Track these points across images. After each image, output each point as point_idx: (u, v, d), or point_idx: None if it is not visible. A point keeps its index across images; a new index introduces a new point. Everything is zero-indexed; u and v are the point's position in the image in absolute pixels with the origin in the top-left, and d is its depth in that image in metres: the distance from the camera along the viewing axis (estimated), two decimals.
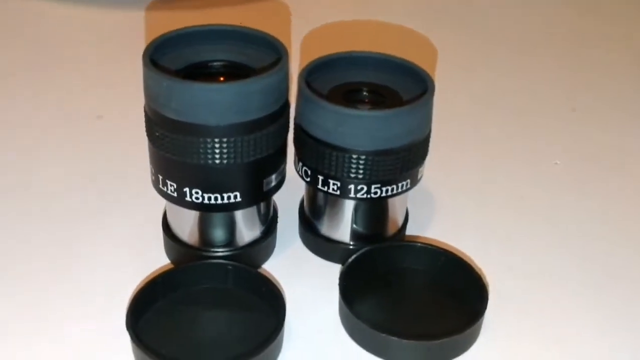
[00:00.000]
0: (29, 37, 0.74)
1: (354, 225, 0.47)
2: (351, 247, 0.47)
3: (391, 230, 0.48)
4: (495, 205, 0.54)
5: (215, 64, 0.44)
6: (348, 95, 0.45)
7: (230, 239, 0.46)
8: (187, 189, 0.42)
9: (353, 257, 0.45)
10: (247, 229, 0.46)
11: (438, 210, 0.53)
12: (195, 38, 0.44)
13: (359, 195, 0.44)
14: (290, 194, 0.49)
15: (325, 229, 0.48)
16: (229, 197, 0.42)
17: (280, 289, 0.43)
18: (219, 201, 0.42)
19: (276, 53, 0.43)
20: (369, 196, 0.44)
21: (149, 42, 0.43)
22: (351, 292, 0.43)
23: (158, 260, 0.47)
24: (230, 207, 0.43)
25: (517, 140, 0.62)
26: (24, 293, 0.45)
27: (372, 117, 0.42)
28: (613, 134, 0.64)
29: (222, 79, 0.43)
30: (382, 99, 0.45)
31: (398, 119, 0.42)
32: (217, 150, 0.40)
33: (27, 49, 0.72)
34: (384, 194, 0.44)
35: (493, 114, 0.66)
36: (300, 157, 0.45)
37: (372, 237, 0.48)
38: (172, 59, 0.43)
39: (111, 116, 0.62)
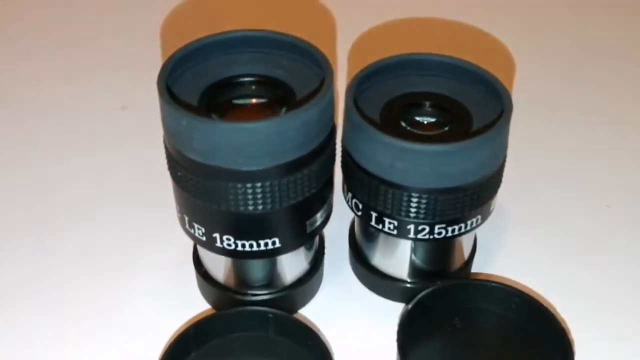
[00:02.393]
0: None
1: (414, 263, 0.40)
2: (409, 285, 0.41)
3: (456, 264, 0.41)
4: (575, 238, 0.46)
5: (245, 79, 0.37)
6: (406, 113, 0.38)
7: (271, 281, 0.40)
8: (217, 235, 0.36)
9: (411, 304, 0.38)
10: (289, 269, 0.40)
11: (505, 242, 0.45)
12: (221, 47, 0.37)
13: (419, 237, 0.37)
14: (339, 210, 0.41)
15: (379, 262, 0.41)
16: (266, 244, 0.36)
17: (327, 343, 0.37)
18: (255, 248, 0.36)
19: (317, 66, 0.36)
20: (432, 237, 0.37)
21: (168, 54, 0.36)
22: (410, 346, 0.37)
23: (195, 300, 0.42)
24: (269, 254, 0.37)
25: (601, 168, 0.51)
26: (41, 339, 0.40)
27: (437, 152, 0.34)
28: None
29: (253, 102, 0.36)
30: (447, 117, 0.37)
31: (468, 154, 0.34)
32: (249, 197, 0.34)
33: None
34: (449, 234, 0.37)
35: (576, 139, 0.54)
36: (349, 187, 0.39)
37: (434, 274, 0.41)
38: (195, 75, 0.36)
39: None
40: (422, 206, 0.36)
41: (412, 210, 0.36)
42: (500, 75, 0.38)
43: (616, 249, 0.45)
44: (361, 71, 0.38)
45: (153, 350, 0.39)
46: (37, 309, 0.41)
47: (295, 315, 0.41)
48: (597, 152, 0.52)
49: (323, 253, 0.42)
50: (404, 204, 0.36)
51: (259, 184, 0.33)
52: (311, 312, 0.41)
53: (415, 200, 0.35)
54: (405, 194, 0.35)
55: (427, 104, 0.38)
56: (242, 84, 0.37)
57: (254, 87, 0.37)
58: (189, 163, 0.34)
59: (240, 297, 0.40)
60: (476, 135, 0.35)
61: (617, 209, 0.48)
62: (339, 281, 0.43)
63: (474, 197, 0.36)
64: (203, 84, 0.36)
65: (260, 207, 0.34)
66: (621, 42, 0.62)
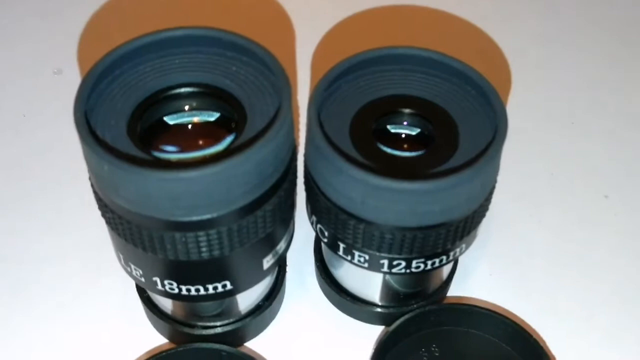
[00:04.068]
0: None
1: (387, 288, 0.35)
2: (380, 310, 0.36)
3: (434, 287, 0.37)
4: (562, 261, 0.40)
5: (184, 91, 0.30)
6: (382, 127, 0.32)
7: (224, 313, 0.35)
8: (157, 279, 0.31)
9: (390, 329, 0.34)
10: (244, 300, 0.35)
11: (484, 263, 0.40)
12: (158, 48, 0.30)
13: (394, 271, 0.32)
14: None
15: (348, 284, 0.36)
16: (215, 288, 0.31)
17: None
18: (202, 292, 0.31)
19: (270, 73, 0.29)
20: (408, 271, 0.32)
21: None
22: None
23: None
24: (219, 297, 0.31)
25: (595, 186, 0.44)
26: None
27: (416, 191, 0.28)
28: None
29: (195, 122, 0.30)
30: (429, 129, 0.32)
31: (454, 190, 0.29)
32: (191, 246, 0.28)
33: None
34: (429, 268, 0.32)
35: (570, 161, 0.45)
36: (313, 211, 0.33)
37: (410, 297, 0.36)
38: (124, 87, 0.30)
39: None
40: (397, 243, 0.30)
41: (385, 246, 0.31)
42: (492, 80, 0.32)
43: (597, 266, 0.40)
44: (326, 75, 0.32)
45: None
46: None
47: (255, 340, 0.37)
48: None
49: (284, 272, 0.37)
50: (374, 240, 0.30)
51: (202, 233, 0.28)
52: (274, 335, 0.37)
53: (389, 237, 0.30)
54: (377, 231, 0.30)
55: (405, 113, 0.32)
56: (182, 97, 0.30)
57: (194, 102, 0.30)
58: (118, 207, 0.28)
59: (189, 330, 0.35)
60: (462, 159, 0.30)
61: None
62: (305, 298, 0.38)
63: (458, 231, 0.31)
64: (133, 101, 0.29)
65: (205, 255, 0.29)
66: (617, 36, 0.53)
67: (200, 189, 0.26)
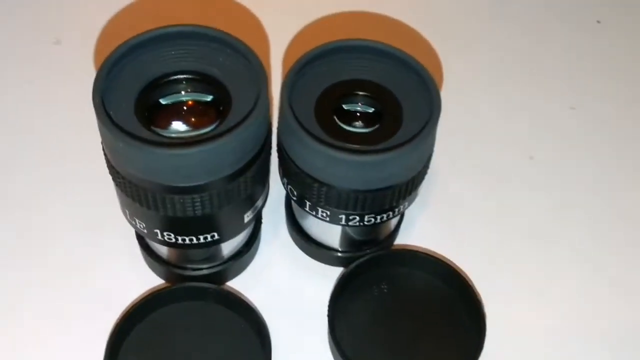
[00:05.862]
0: None
1: (345, 236, 0.43)
2: (340, 254, 0.44)
3: (384, 235, 0.44)
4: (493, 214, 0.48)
5: (179, 77, 0.37)
6: (339, 105, 0.39)
7: (210, 257, 0.42)
8: (157, 230, 0.38)
9: (345, 272, 0.42)
10: (227, 247, 0.42)
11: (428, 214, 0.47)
12: (157, 42, 0.37)
13: (350, 224, 0.40)
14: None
15: (314, 232, 0.44)
16: (205, 238, 0.38)
17: (257, 310, 0.40)
18: (195, 242, 0.38)
19: (249, 63, 0.36)
20: (362, 224, 0.40)
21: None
22: (341, 328, 0.41)
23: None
24: (209, 244, 0.39)
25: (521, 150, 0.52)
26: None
27: (365, 162, 0.36)
28: None
29: (189, 104, 0.37)
30: (379, 107, 0.39)
31: (396, 161, 0.36)
32: (188, 205, 0.35)
33: None
34: (379, 221, 0.40)
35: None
36: (284, 173, 0.40)
37: (364, 243, 0.44)
38: (131, 73, 0.36)
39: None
40: (352, 202, 0.38)
41: (342, 204, 0.38)
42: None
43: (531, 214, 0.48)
44: (295, 62, 0.38)
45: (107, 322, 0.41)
46: None
47: (235, 279, 0.44)
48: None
49: (260, 223, 0.44)
50: (334, 199, 0.38)
51: (196, 196, 0.35)
52: (252, 275, 0.44)
53: (344, 197, 0.37)
54: (336, 192, 0.37)
55: (360, 94, 0.39)
56: (176, 81, 0.37)
57: (188, 88, 0.37)
58: (127, 174, 0.35)
59: (181, 271, 0.42)
60: (405, 134, 0.37)
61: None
62: (277, 243, 0.46)
63: (401, 191, 0.38)
64: (138, 85, 0.36)
65: (198, 212, 0.36)
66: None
67: (196, 162, 0.33)
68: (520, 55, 0.57)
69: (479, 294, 0.42)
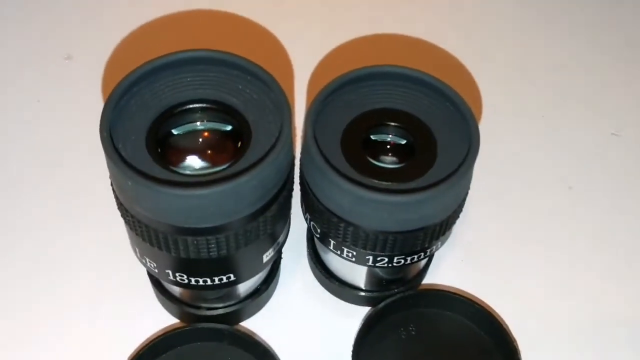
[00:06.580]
0: None
1: (371, 276, 0.40)
2: (365, 294, 0.41)
3: (412, 275, 0.41)
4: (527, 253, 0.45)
5: (195, 106, 0.34)
6: (369, 136, 0.36)
7: (225, 296, 0.39)
8: (169, 271, 0.35)
9: (371, 312, 0.39)
10: (244, 285, 0.39)
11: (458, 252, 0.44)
12: (171, 69, 0.34)
13: (378, 265, 0.36)
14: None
15: (337, 270, 0.41)
16: (220, 279, 0.35)
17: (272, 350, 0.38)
18: (209, 283, 0.35)
19: (271, 91, 0.33)
20: (390, 265, 0.36)
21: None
22: (366, 348, 0.38)
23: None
24: (224, 286, 0.36)
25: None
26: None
27: (396, 203, 0.32)
28: None
29: (205, 135, 0.34)
30: (411, 140, 0.35)
31: (430, 202, 0.33)
32: (202, 247, 0.32)
33: None
34: (409, 262, 0.37)
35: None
36: (307, 209, 0.37)
37: (391, 283, 0.41)
38: (143, 102, 0.33)
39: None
40: (380, 243, 0.35)
41: (370, 245, 0.35)
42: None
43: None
44: (320, 91, 0.35)
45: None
46: None
47: (252, 319, 0.41)
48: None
49: (280, 259, 0.41)
50: (361, 239, 0.35)
51: (211, 237, 0.32)
52: (269, 314, 0.41)
53: (372, 237, 0.34)
54: (363, 232, 0.34)
55: (391, 125, 0.36)
56: (192, 111, 0.34)
57: (205, 118, 0.34)
58: (136, 213, 0.32)
59: (195, 311, 0.39)
60: (440, 170, 0.34)
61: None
62: (297, 280, 0.43)
63: (434, 233, 0.35)
64: (150, 116, 0.33)
65: (214, 255, 0.33)
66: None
67: (210, 203, 0.30)
68: (560, 82, 0.53)
69: (515, 340, 0.39)
